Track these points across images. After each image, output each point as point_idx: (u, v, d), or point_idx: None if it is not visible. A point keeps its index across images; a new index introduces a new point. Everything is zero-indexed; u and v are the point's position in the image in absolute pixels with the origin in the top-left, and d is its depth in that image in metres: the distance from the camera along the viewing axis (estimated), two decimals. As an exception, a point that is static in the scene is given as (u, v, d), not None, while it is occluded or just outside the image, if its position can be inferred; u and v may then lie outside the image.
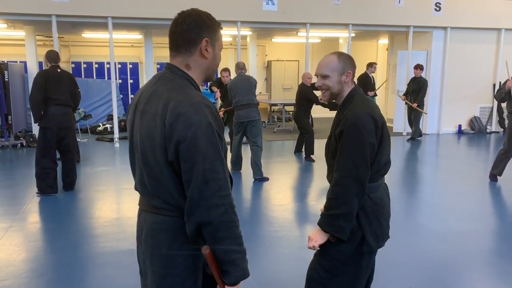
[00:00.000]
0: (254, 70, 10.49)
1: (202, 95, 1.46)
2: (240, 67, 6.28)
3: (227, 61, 12.82)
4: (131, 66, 12.62)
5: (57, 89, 5.17)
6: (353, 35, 10.06)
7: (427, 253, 3.66)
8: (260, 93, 12.58)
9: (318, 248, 2.02)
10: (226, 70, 7.46)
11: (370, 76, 9.37)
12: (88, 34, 11.00)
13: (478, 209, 4.98)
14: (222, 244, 1.38)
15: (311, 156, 7.31)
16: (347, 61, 2.06)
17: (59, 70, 5.28)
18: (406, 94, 9.32)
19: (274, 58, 13.74)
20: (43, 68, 5.43)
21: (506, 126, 5.82)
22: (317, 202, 5.14)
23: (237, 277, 1.42)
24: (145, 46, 10.55)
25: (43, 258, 3.60)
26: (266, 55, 13.92)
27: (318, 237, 2.00)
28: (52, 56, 5.30)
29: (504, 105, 6.82)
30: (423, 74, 9.31)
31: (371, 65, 9.30)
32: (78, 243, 3.86)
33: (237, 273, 1.41)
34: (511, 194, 5.51)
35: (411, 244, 3.85)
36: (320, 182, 6.08)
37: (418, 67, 9.11)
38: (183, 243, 1.47)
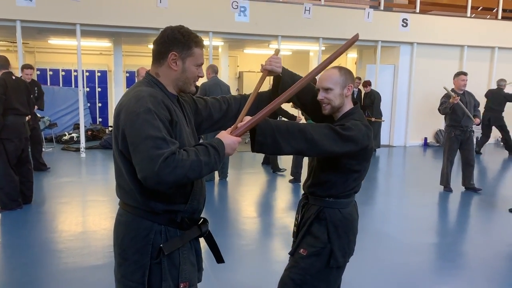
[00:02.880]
0: (226, 81, 10.42)
1: (156, 91, 1.60)
2: (215, 70, 6.26)
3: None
4: (99, 74, 12.34)
5: (17, 98, 4.90)
6: (323, 48, 10.21)
7: (398, 266, 3.69)
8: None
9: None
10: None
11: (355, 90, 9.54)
12: (55, 41, 10.70)
13: (445, 221, 5.09)
14: (204, 166, 1.51)
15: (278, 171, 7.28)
16: (348, 74, 2.07)
17: (14, 77, 5.02)
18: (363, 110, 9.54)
19: (246, 69, 13.77)
20: None
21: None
22: (287, 215, 5.12)
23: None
24: (114, 54, 10.36)
25: (1, 275, 3.41)
26: (238, 66, 13.93)
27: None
28: (1, 62, 4.97)
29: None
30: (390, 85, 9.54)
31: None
32: (39, 259, 3.68)
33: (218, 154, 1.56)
34: (474, 204, 5.67)
35: (381, 258, 3.87)
36: (289, 195, 6.08)
37: (367, 83, 9.38)
38: (134, 237, 1.61)
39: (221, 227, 4.59)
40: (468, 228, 4.90)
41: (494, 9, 11.08)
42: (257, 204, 5.74)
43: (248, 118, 1.69)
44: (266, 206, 5.65)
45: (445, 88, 6.12)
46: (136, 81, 5.89)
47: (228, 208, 5.50)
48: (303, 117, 6.27)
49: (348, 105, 2.08)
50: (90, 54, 11.98)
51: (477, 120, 6.05)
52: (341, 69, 2.09)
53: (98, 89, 12.32)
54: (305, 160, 6.05)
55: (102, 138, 9.59)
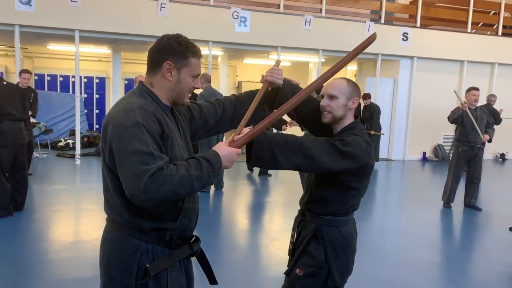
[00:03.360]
0: (225, 90, 10.42)
1: (147, 102, 1.51)
2: (208, 79, 6.20)
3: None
4: (97, 80, 12.28)
5: (10, 103, 4.81)
6: (323, 60, 10.19)
7: (397, 285, 3.59)
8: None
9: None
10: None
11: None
12: (53, 46, 10.65)
13: (445, 238, 5.00)
14: (195, 180, 1.42)
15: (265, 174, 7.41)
16: (355, 88, 2.01)
17: (5, 83, 4.96)
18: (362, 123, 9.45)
19: (245, 79, 13.74)
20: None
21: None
22: (283, 228, 5.02)
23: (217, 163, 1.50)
24: (113, 61, 10.31)
25: (-14, 286, 3.29)
26: (237, 76, 13.92)
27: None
28: None
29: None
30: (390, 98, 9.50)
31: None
32: (28, 270, 3.56)
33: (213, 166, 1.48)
34: (474, 222, 5.59)
35: (380, 275, 3.77)
36: (286, 207, 5.99)
37: (367, 96, 9.31)
38: (120, 256, 1.53)
39: (215, 240, 4.48)
40: (468, 247, 4.80)
41: (494, 25, 11.11)
42: (253, 216, 5.63)
43: (246, 130, 1.63)
44: (262, 219, 5.55)
45: (455, 92, 6.04)
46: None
47: (223, 220, 5.40)
48: (294, 122, 6.21)
49: (350, 119, 2.01)
50: (89, 61, 11.93)
51: (486, 137, 5.86)
52: (349, 81, 2.02)
53: (96, 96, 12.25)
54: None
55: (98, 145, 9.50)
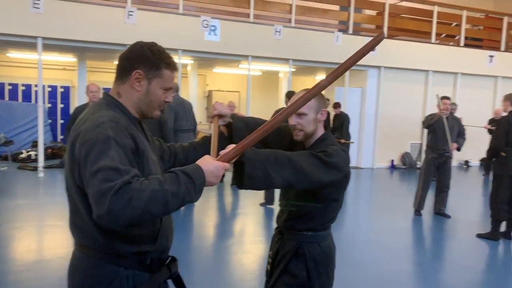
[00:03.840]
0: (194, 99, 10.31)
1: (117, 115, 1.40)
2: (176, 89, 6.04)
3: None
4: (62, 89, 11.88)
5: None
6: (293, 69, 10.24)
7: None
8: (200, 122, 12.36)
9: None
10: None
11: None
12: (14, 54, 10.23)
13: (417, 247, 5.05)
14: (171, 197, 1.27)
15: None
16: (322, 99, 1.95)
17: None
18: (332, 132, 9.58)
19: (215, 88, 13.66)
20: None
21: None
22: (258, 240, 4.94)
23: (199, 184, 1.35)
24: (79, 70, 10.00)
25: None
26: (207, 85, 13.81)
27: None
28: None
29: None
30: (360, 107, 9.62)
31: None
32: (-15, 294, 3.33)
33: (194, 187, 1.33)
34: (444, 229, 5.67)
35: None
36: (261, 219, 5.91)
37: (337, 105, 9.44)
38: (95, 285, 1.39)
39: (186, 254, 4.35)
40: (440, 255, 4.86)
41: (456, 36, 11.49)
42: (225, 229, 5.52)
43: (232, 146, 1.49)
44: (234, 231, 5.44)
45: (437, 95, 6.13)
46: (86, 98, 5.60)
47: (194, 233, 5.26)
48: None
49: (321, 131, 1.96)
50: (53, 69, 11.54)
51: (454, 145, 5.99)
52: None
53: (60, 105, 11.84)
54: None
55: (63, 156, 9.14)
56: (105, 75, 11.35)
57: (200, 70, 12.14)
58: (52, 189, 7.27)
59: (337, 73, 1.60)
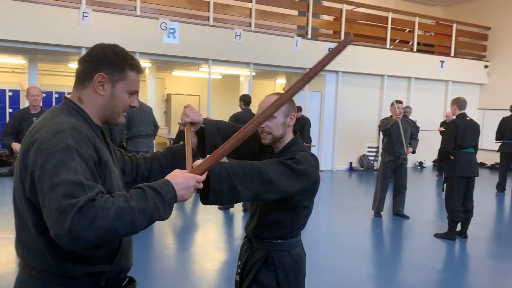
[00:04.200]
0: (153, 103, 10.05)
1: (79, 123, 1.29)
2: None
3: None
4: (11, 93, 11.27)
5: None
6: (254, 73, 10.24)
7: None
8: (159, 126, 12.11)
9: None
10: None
11: None
12: (-43, 55, 9.60)
13: (378, 249, 5.14)
14: (137, 214, 1.18)
15: None
16: (291, 103, 1.90)
17: None
18: None
19: (174, 92, 13.43)
20: None
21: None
22: (218, 246, 4.86)
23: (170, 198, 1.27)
24: (29, 73, 9.49)
25: None
26: (165, 88, 13.56)
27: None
28: None
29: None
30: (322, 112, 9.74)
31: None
32: None
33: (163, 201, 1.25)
34: (403, 230, 5.83)
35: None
36: (223, 224, 5.83)
37: (298, 109, 9.51)
38: None
39: (146, 264, 4.21)
40: (400, 255, 4.97)
41: (410, 42, 11.92)
42: (186, 237, 5.40)
43: (200, 161, 1.40)
44: (196, 239, 5.34)
45: (393, 103, 6.22)
46: (28, 102, 5.29)
47: (156, 243, 5.11)
48: None
49: (290, 135, 1.93)
50: (1, 72, 10.94)
51: (410, 150, 6.23)
52: None
53: (9, 110, 11.23)
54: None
55: (12, 164, 8.66)
56: (58, 78, 10.88)
57: (158, 73, 11.90)
58: (0, 198, 6.86)
59: (308, 77, 1.55)
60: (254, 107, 6.11)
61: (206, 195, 1.53)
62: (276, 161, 1.73)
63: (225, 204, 1.78)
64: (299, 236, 2.02)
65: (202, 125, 1.83)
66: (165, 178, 1.29)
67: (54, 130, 1.22)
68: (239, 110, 6.39)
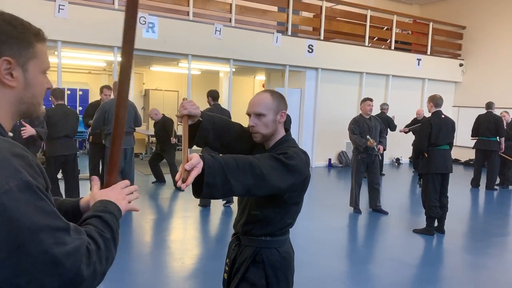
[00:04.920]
0: (131, 99, 9.87)
1: (6, 139, 0.97)
2: (115, 88, 5.72)
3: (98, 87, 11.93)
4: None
5: None
6: (234, 69, 10.18)
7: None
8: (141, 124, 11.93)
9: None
10: (108, 88, 6.74)
11: None
12: None
13: (358, 245, 5.20)
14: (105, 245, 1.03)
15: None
16: (281, 100, 1.90)
17: None
18: None
19: (152, 87, 13.24)
20: None
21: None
22: (218, 244, 4.82)
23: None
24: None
25: None
26: (143, 84, 13.35)
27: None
28: None
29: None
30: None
31: None
32: None
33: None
34: (382, 225, 5.91)
35: None
36: (203, 221, 5.79)
37: None
38: None
39: (127, 259, 4.14)
40: (381, 251, 5.04)
41: (388, 40, 12.07)
42: (167, 233, 5.34)
43: (195, 154, 1.39)
44: (179, 236, 5.28)
45: (368, 138, 6.11)
46: None
47: (135, 240, 5.03)
48: None
49: (281, 133, 1.92)
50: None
51: (381, 148, 6.34)
52: (274, 93, 1.93)
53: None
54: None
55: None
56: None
57: (137, 69, 11.72)
58: None
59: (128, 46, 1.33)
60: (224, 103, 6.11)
61: (199, 188, 1.50)
62: (268, 155, 1.71)
63: (218, 199, 1.75)
64: (288, 234, 2.02)
65: (200, 119, 1.81)
66: (101, 199, 1.15)
67: None
68: (223, 106, 6.38)
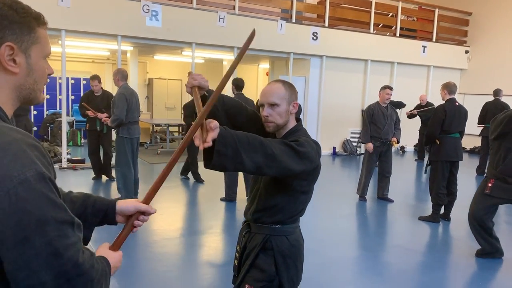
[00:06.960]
0: (134, 88, 9.85)
1: (15, 128, 0.96)
2: (125, 76, 5.56)
3: (103, 77, 11.90)
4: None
5: None
6: (237, 57, 10.12)
7: (325, 284, 3.62)
8: (142, 111, 11.93)
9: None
10: (95, 78, 6.72)
11: None
12: None
13: (365, 232, 5.21)
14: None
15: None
16: (293, 90, 1.90)
17: None
18: None
19: (156, 76, 13.23)
20: None
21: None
22: (213, 234, 4.85)
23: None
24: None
25: None
26: (147, 72, 13.34)
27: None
28: None
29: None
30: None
31: None
32: None
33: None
34: (388, 213, 5.92)
35: (307, 275, 3.78)
36: (215, 212, 5.81)
37: None
38: None
39: (136, 250, 4.17)
40: (386, 239, 5.05)
41: (393, 27, 11.96)
42: (178, 223, 5.37)
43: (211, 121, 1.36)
44: (189, 226, 5.31)
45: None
46: None
47: (146, 229, 5.06)
48: None
49: (292, 122, 1.93)
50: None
51: (394, 139, 6.19)
52: (285, 83, 1.93)
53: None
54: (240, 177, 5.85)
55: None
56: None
57: (140, 57, 11.68)
58: None
59: (227, 74, 1.47)
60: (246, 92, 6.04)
61: (210, 158, 1.47)
62: (279, 141, 1.71)
63: (228, 171, 1.73)
64: (298, 222, 2.03)
65: (206, 93, 1.75)
66: (100, 255, 1.13)
67: (4, 150, 0.89)
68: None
